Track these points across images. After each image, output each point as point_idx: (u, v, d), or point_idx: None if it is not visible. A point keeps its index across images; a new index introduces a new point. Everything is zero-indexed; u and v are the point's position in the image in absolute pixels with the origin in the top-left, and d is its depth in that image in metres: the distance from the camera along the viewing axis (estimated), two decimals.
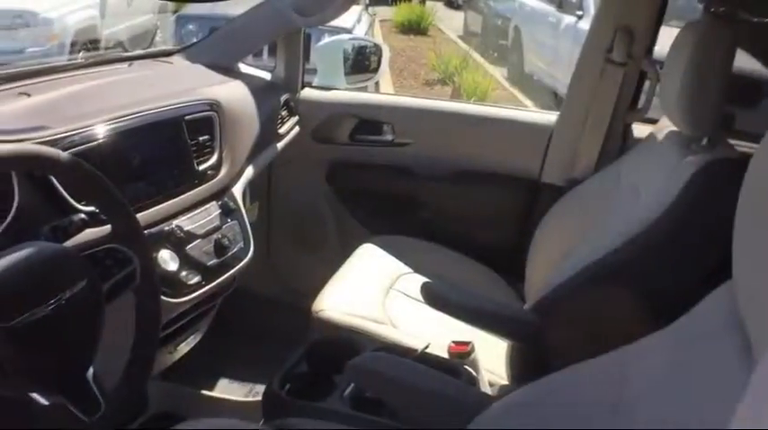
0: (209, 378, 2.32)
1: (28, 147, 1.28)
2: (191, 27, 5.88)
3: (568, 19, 7.42)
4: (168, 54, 2.35)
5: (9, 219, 1.34)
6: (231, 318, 2.28)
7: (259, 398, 1.73)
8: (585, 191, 2.07)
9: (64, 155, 1.28)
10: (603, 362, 1.04)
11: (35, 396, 1.17)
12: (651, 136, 1.99)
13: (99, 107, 1.65)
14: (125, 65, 2.17)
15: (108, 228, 1.36)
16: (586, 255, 1.67)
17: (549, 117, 2.35)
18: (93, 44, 6.08)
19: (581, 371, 1.06)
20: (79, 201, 1.46)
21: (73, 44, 6.09)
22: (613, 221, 1.75)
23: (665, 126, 1.91)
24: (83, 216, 1.39)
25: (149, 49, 2.73)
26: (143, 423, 2.03)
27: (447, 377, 1.48)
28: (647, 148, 1.95)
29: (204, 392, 2.24)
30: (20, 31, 5.99)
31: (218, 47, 2.37)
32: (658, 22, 2.14)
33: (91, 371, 1.24)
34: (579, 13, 7.17)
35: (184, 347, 1.97)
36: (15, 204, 1.36)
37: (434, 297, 1.75)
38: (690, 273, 1.51)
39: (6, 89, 1.70)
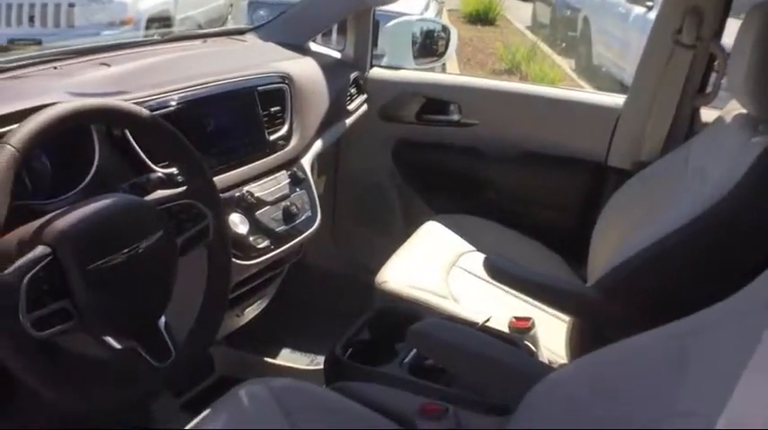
0: (272, 347, 2.37)
1: (113, 102, 1.34)
2: (261, 12, 5.95)
3: (638, 10, 7.31)
4: (242, 33, 2.41)
5: (90, 176, 1.42)
6: (295, 290, 2.33)
7: (321, 366, 1.77)
8: (652, 174, 2.05)
9: (145, 111, 1.34)
10: (662, 334, 1.04)
11: (108, 339, 1.22)
12: (719, 119, 1.97)
13: (175, 77, 1.72)
14: (199, 41, 2.24)
15: (183, 185, 1.42)
16: (650, 235, 1.67)
17: (617, 100, 2.34)
18: (166, 27, 6.21)
19: (639, 343, 1.07)
20: (156, 163, 1.53)
21: (147, 28, 6.24)
22: (678, 203, 1.74)
23: (734, 109, 1.90)
24: (160, 174, 1.45)
25: (223, 28, 2.77)
26: (209, 386, 2.10)
27: (507, 346, 1.50)
28: (714, 131, 1.93)
29: (267, 359, 2.30)
30: (96, 14, 6.15)
31: (289, 26, 2.41)
32: (728, 3, 2.11)
33: (163, 320, 1.30)
34: (649, 3, 7.05)
35: (251, 312, 2.03)
36: (96, 163, 1.44)
37: (497, 270, 1.77)
38: (751, 252, 1.50)
39: (87, 60, 1.77)
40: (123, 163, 1.50)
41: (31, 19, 6.18)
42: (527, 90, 2.52)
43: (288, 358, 2.37)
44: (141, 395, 1.27)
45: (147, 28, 6.20)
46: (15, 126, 1.19)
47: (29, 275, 1.08)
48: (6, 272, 1.08)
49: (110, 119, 1.34)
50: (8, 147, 1.12)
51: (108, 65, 1.73)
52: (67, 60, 1.76)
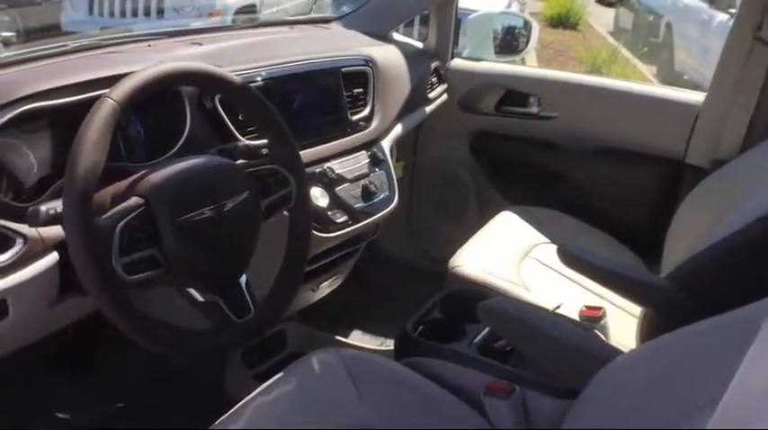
0: (343, 326, 2.43)
1: (208, 66, 1.40)
2: (344, 9, 6.01)
3: (721, 16, 7.15)
4: (327, 21, 2.47)
5: (180, 143, 1.50)
6: (368, 274, 2.38)
7: (391, 348, 1.80)
8: (730, 172, 2.03)
9: (237, 78, 1.40)
10: (729, 318, 1.04)
11: (192, 291, 1.29)
12: None
13: (263, 55, 1.78)
14: (286, 28, 2.31)
15: (269, 152, 1.48)
16: (724, 230, 1.66)
17: (696, 97, 2.31)
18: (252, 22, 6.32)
19: (710, 325, 1.07)
20: (242, 134, 1.60)
21: (233, 21, 6.36)
22: (753, 200, 1.73)
23: None
24: (247, 142, 1.51)
25: (309, 16, 2.84)
26: (280, 360, 2.16)
27: (577, 328, 1.51)
28: None
29: (339, 338, 2.35)
30: (185, 8, 6.30)
31: (373, 15, 2.46)
32: None
33: (244, 278, 1.36)
34: (732, 10, 6.89)
35: (325, 288, 2.08)
36: (186, 131, 1.52)
37: (571, 257, 1.77)
38: None
39: (179, 41, 1.85)
40: (212, 132, 1.58)
41: (123, 13, 6.38)
42: (607, 84, 2.51)
43: (358, 339, 2.42)
44: (220, 346, 1.32)
45: (234, 21, 6.32)
46: None
47: (122, 222, 1.16)
48: (102, 217, 1.16)
49: (204, 82, 1.41)
50: (109, 100, 1.20)
51: (199, 44, 1.80)
52: (160, 40, 1.84)
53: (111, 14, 6.46)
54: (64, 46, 1.70)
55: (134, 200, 1.21)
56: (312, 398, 1.41)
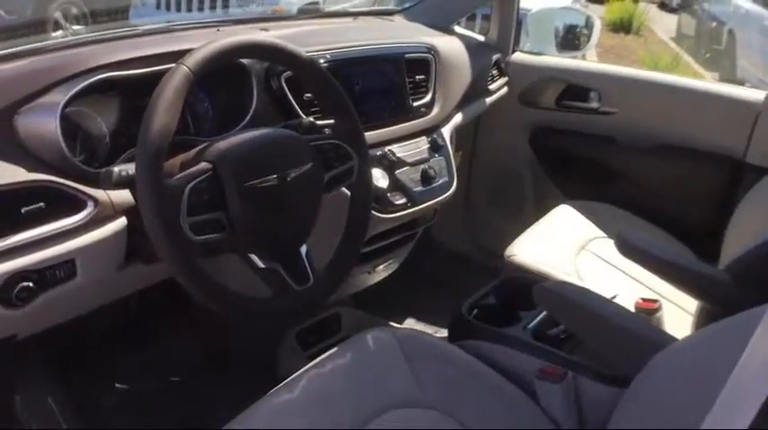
0: (397, 313, 2.45)
1: (278, 41, 1.44)
2: (407, 3, 6.04)
3: None
4: (390, 14, 2.50)
5: (246, 119, 1.55)
6: (423, 262, 2.40)
7: (444, 335, 1.82)
8: None
9: (304, 53, 1.43)
10: None
11: (254, 257, 1.32)
12: None
13: (328, 41, 1.81)
14: (350, 19, 2.34)
15: (332, 127, 1.51)
16: None
17: (758, 95, 2.28)
18: None
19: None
20: (306, 113, 1.63)
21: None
22: None
23: None
24: (311, 119, 1.54)
25: (372, 8, 2.87)
26: (334, 343, 2.18)
27: (633, 314, 1.51)
28: None
29: (393, 324, 2.37)
30: (249, 4, 6.39)
31: (436, 8, 2.48)
32: None
33: (304, 248, 1.39)
34: None
35: (382, 272, 2.10)
36: (253, 108, 1.57)
37: (629, 247, 1.76)
38: None
39: (247, 27, 1.90)
40: (277, 111, 1.62)
41: (189, 8, 6.50)
42: (668, 81, 2.48)
43: (412, 326, 2.44)
44: (281, 312, 1.34)
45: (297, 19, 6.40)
46: None
47: (191, 184, 1.21)
48: (172, 179, 1.21)
49: (274, 56, 1.44)
50: (183, 67, 1.24)
51: (266, 30, 1.84)
52: (228, 27, 1.89)
53: (178, 9, 6.58)
54: (135, 29, 1.75)
55: (203, 165, 1.26)
56: (365, 374, 1.43)
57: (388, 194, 1.78)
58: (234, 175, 1.25)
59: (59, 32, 1.74)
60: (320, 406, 1.35)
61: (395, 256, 2.11)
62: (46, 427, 1.77)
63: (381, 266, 2.08)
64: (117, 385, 1.95)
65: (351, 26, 2.20)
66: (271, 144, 1.37)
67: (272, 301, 1.33)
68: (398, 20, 2.44)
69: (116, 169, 1.22)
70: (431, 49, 2.03)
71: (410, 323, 2.44)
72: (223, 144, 1.30)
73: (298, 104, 1.65)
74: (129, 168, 1.22)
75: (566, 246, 2.09)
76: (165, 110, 1.19)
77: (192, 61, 1.25)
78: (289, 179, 1.31)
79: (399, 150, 1.85)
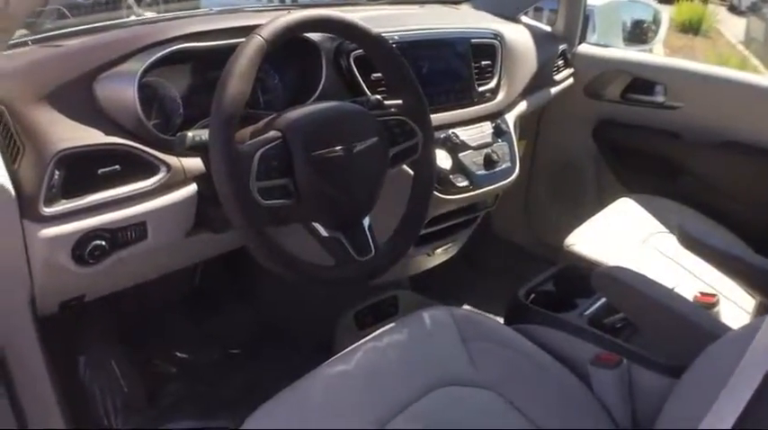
0: (454, 299, 2.45)
1: (348, 16, 1.46)
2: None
3: None
4: (457, 2, 2.50)
5: (315, 96, 1.59)
6: (478, 253, 2.40)
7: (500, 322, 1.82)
8: None
9: (374, 29, 1.45)
10: None
11: (317, 226, 1.36)
12: None
13: (396, 24, 1.83)
14: (417, 6, 2.36)
15: (399, 104, 1.53)
16: None
17: None
18: None
19: None
20: (373, 92, 1.66)
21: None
22: None
23: None
24: (378, 97, 1.56)
25: None
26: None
27: (691, 303, 1.49)
28: None
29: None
30: None
31: None
32: None
33: (367, 220, 1.41)
34: None
35: (441, 255, 2.12)
36: (321, 85, 1.60)
37: (691, 239, 1.75)
38: None
39: None
40: (345, 89, 1.65)
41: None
42: (736, 77, 2.43)
43: None
44: (343, 280, 1.37)
45: None
46: None
47: (261, 150, 1.25)
48: (243, 144, 1.25)
49: (346, 31, 1.46)
50: (258, 37, 1.28)
51: None
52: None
53: None
54: (209, 11, 1.80)
55: (272, 133, 1.29)
56: (420, 350, 1.45)
57: (451, 176, 1.80)
58: (302, 144, 1.28)
59: (132, 18, 1.79)
60: (374, 378, 1.37)
61: (454, 240, 2.12)
62: (107, 389, 1.83)
63: (440, 249, 2.09)
64: (177, 353, 2.00)
65: (418, 12, 2.22)
66: (339, 116, 1.39)
67: (334, 269, 1.35)
68: (465, 8, 2.45)
69: (190, 134, 1.26)
70: (497, 35, 2.04)
71: (466, 309, 2.45)
72: (293, 114, 1.34)
73: (365, 84, 1.68)
74: (203, 134, 1.26)
75: (625, 239, 2.08)
76: (239, 78, 1.23)
77: (266, 32, 1.28)
78: (354, 151, 1.34)
79: (463, 134, 1.86)
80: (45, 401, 1.46)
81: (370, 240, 1.39)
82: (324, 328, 2.09)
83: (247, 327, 2.08)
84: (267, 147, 1.26)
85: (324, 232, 1.35)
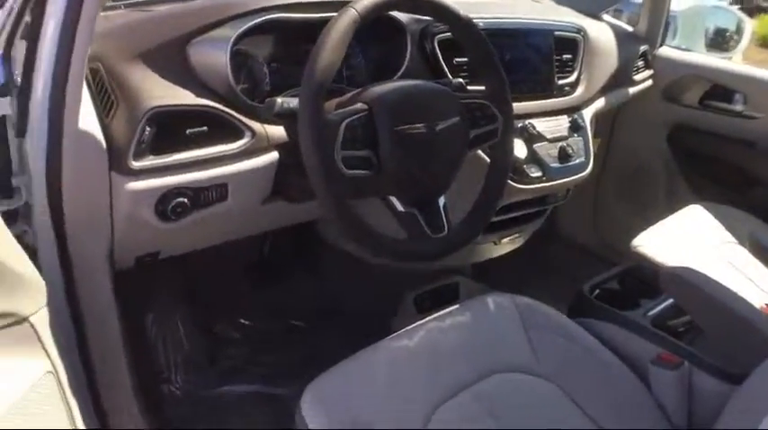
0: (515, 292, 2.45)
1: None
2: None
3: None
4: None
5: (398, 75, 1.61)
6: (542, 249, 2.40)
7: None
8: None
9: (465, 13, 1.47)
10: None
11: (393, 200, 1.38)
12: None
13: (481, 11, 1.84)
14: None
15: (481, 87, 1.54)
16: None
17: None
18: None
19: None
20: (454, 77, 1.67)
21: None
22: None
23: None
24: (461, 80, 1.58)
25: None
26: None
27: (758, 311, 1.48)
28: None
29: None
30: None
31: None
32: None
33: (442, 199, 1.43)
34: None
35: (507, 245, 2.12)
36: (404, 66, 1.63)
37: (763, 249, 1.73)
38: None
39: None
40: (427, 70, 1.66)
41: None
42: None
43: None
44: (416, 255, 1.39)
45: None
46: None
47: (347, 120, 1.28)
48: (330, 114, 1.28)
49: (437, 11, 1.47)
50: (352, 10, 1.30)
51: None
52: None
53: None
54: None
55: (359, 105, 1.32)
56: (482, 334, 1.46)
57: (525, 166, 1.81)
58: (387, 118, 1.31)
59: None
60: (436, 357, 1.38)
61: (522, 231, 2.12)
62: (171, 346, 1.88)
63: (507, 239, 2.10)
64: (240, 319, 2.04)
65: (502, 1, 2.22)
66: (424, 94, 1.41)
67: (408, 243, 1.37)
68: (547, 2, 2.44)
69: (279, 100, 1.29)
70: (580, 30, 2.04)
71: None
72: (379, 88, 1.36)
73: (447, 68, 1.69)
74: (291, 102, 1.29)
75: (693, 245, 2.05)
76: (331, 48, 1.25)
77: (361, 6, 1.30)
78: (437, 129, 1.36)
79: (540, 125, 1.87)
80: (114, 352, 1.50)
81: (444, 219, 1.41)
82: (383, 309, 2.11)
83: (309, 301, 2.11)
84: (353, 118, 1.29)
85: (400, 207, 1.37)
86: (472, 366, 1.37)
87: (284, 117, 1.30)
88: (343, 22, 1.27)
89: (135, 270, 1.52)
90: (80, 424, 1.34)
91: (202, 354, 1.94)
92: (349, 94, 1.38)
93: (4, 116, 1.32)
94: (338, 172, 1.25)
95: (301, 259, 2.07)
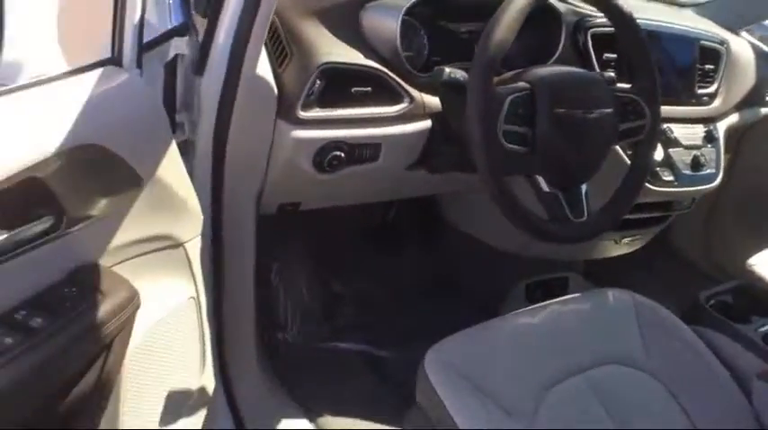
0: None
1: None
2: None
3: None
4: (680, 5, 2.49)
5: (552, 60, 1.67)
6: (652, 261, 2.39)
7: None
8: None
9: (628, 9, 1.50)
10: None
11: (540, 179, 1.42)
12: None
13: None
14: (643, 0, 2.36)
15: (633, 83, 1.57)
16: None
17: None
18: None
19: None
20: (602, 71, 1.70)
21: None
22: None
23: None
24: (612, 74, 1.60)
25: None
26: None
27: None
28: None
29: None
30: None
31: (728, 10, 2.44)
32: None
33: (585, 186, 1.46)
34: None
35: (625, 246, 2.13)
36: (556, 56, 1.68)
37: None
38: None
39: None
40: (578, 62, 1.70)
41: None
42: None
43: None
44: (555, 235, 1.42)
45: None
46: None
47: (511, 96, 1.33)
48: (497, 89, 1.33)
49: (603, 3, 1.51)
50: None
51: None
52: None
53: None
54: None
55: (521, 84, 1.37)
56: (599, 325, 1.49)
57: (659, 169, 1.83)
58: (548, 99, 1.35)
59: None
60: (553, 339, 1.42)
61: (642, 234, 2.13)
62: (291, 297, 1.96)
63: (628, 239, 2.11)
64: (357, 281, 2.10)
65: (647, 5, 2.23)
66: (583, 81, 1.46)
67: (549, 224, 1.41)
68: (687, 12, 2.43)
69: (447, 69, 1.34)
70: (723, 42, 2.04)
71: None
72: (543, 70, 1.41)
73: (597, 62, 1.73)
74: (458, 73, 1.34)
75: None
76: (506, 25, 1.30)
77: None
78: (591, 116, 1.39)
79: (677, 130, 1.88)
80: (243, 290, 1.58)
81: (585, 205, 1.44)
82: (493, 292, 2.15)
83: (423, 273, 2.16)
84: (516, 95, 1.34)
85: (545, 187, 1.41)
86: (587, 353, 1.40)
87: (449, 87, 1.35)
88: (519, 2, 1.32)
89: (274, 217, 1.59)
90: (208, 351, 1.43)
91: (319, 309, 2.02)
92: (511, 73, 1.42)
93: (176, 55, 1.40)
94: (498, 143, 1.30)
95: (420, 233, 2.12)
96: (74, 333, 1.04)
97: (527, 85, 1.36)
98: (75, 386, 1.07)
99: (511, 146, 1.32)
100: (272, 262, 1.92)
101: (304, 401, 1.79)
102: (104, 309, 1.07)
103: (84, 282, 1.10)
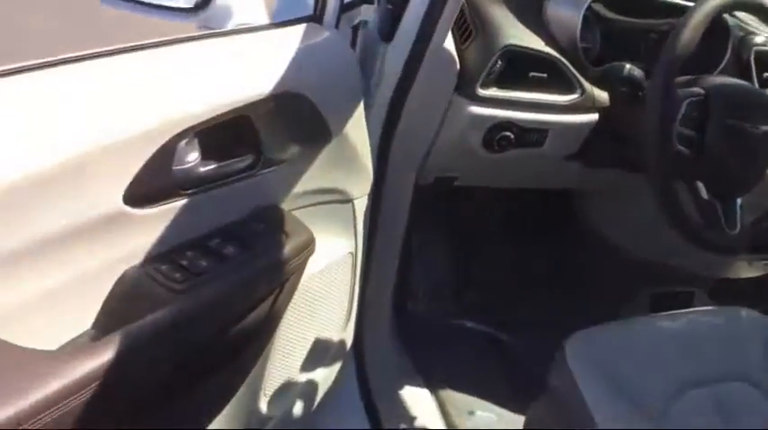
0: None
1: None
2: None
3: None
4: None
5: (716, 72, 1.63)
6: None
7: None
8: None
9: None
10: None
11: (700, 186, 1.41)
12: None
13: None
14: None
15: None
16: None
17: None
18: None
19: None
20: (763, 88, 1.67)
21: None
22: None
23: None
24: None
25: None
26: None
27: None
28: None
29: None
30: None
31: None
32: None
33: (739, 200, 1.46)
34: None
35: (757, 269, 2.10)
36: (720, 68, 1.64)
37: None
38: None
39: None
40: (739, 77, 1.64)
41: None
42: None
43: None
44: (710, 243, 1.44)
45: None
46: None
47: (688, 99, 1.35)
48: (680, 92, 1.36)
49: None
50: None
51: None
52: None
53: None
54: None
55: (696, 89, 1.39)
56: (730, 341, 1.47)
57: None
58: (722, 108, 1.37)
59: None
60: (687, 347, 1.42)
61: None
62: (426, 271, 2.01)
63: (762, 263, 2.09)
64: (482, 261, 2.13)
65: None
66: (756, 95, 1.48)
67: (707, 232, 1.42)
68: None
69: (627, 66, 1.38)
70: None
71: None
72: (718, 79, 1.45)
73: (758, 81, 1.70)
74: (635, 70, 1.37)
75: None
76: (694, 27, 1.33)
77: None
78: (759, 131, 1.40)
79: None
80: (390, 255, 1.62)
81: (738, 217, 1.45)
82: (619, 294, 2.15)
83: (550, 263, 2.17)
84: (691, 99, 1.36)
85: (704, 194, 1.42)
86: (716, 367, 1.40)
87: (626, 83, 1.38)
88: (708, 6, 1.34)
89: (428, 189, 1.63)
90: (354, 307, 1.49)
91: (451, 286, 2.06)
92: (686, 78, 1.43)
93: (359, 21, 1.45)
94: (672, 144, 1.32)
95: (553, 227, 2.14)
96: (259, 266, 1.11)
97: (702, 91, 1.38)
98: (243, 320, 1.12)
99: (680, 148, 1.34)
100: (416, 232, 1.96)
101: (426, 371, 1.84)
102: (288, 248, 1.13)
103: (271, 220, 1.17)
